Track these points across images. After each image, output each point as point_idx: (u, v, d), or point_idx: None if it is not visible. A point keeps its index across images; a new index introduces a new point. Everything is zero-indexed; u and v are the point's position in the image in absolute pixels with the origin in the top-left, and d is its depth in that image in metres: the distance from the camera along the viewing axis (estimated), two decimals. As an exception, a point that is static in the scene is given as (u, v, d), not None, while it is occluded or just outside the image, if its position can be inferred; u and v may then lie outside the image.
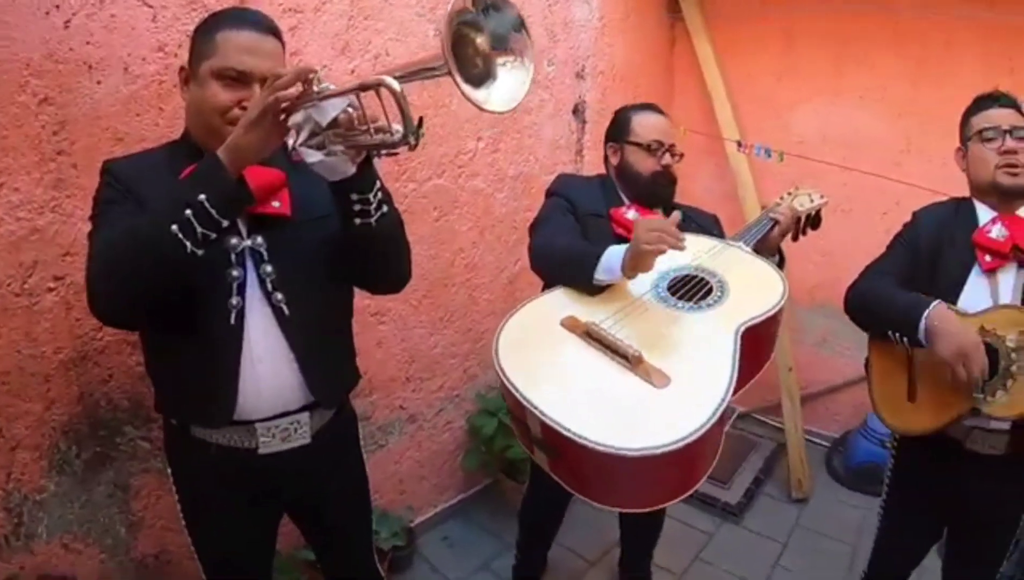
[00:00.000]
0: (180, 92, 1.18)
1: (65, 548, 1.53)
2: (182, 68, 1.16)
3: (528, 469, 2.23)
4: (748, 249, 1.59)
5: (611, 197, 1.72)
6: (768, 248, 1.66)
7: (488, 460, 2.53)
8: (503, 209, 2.54)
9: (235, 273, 1.14)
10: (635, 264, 1.34)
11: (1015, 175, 1.43)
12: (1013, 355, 1.34)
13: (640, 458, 1.03)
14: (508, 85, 0.93)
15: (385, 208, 1.15)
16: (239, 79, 1.09)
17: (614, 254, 1.38)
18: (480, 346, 2.56)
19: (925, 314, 1.39)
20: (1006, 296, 1.43)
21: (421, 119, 0.93)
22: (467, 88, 0.86)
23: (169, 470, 1.29)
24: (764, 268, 1.52)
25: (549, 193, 1.74)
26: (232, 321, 1.14)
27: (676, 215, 1.34)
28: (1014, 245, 1.42)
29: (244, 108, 1.06)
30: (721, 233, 1.80)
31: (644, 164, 1.67)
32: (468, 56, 0.90)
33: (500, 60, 0.93)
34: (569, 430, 1.07)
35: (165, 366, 1.21)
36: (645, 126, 1.69)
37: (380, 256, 1.24)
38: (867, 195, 2.91)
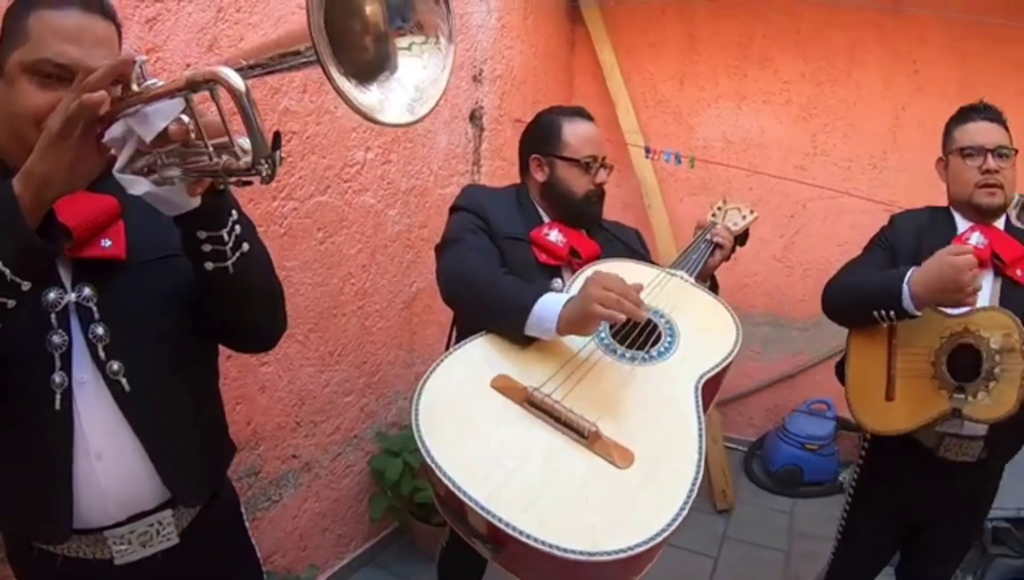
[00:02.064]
0: None
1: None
2: None
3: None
4: (691, 279, 1.45)
5: (529, 215, 1.51)
6: (705, 274, 1.54)
7: (396, 505, 2.34)
8: (396, 227, 2.37)
9: (57, 339, 0.89)
10: (577, 327, 1.14)
11: (993, 194, 1.48)
12: (997, 357, 1.34)
13: (615, 561, 0.87)
14: (414, 80, 0.66)
15: (245, 246, 0.90)
16: (59, 75, 0.83)
17: (549, 306, 1.18)
18: (377, 380, 2.37)
19: (906, 280, 1.38)
20: (983, 304, 1.45)
21: (278, 136, 0.65)
22: (350, 87, 0.59)
23: None
24: (711, 304, 1.40)
25: (456, 208, 1.50)
26: (57, 405, 0.89)
27: (640, 284, 1.16)
28: (993, 252, 1.45)
29: None
30: (645, 249, 1.67)
31: (578, 183, 1.47)
32: (352, 34, 0.62)
33: (403, 41, 0.66)
34: (529, 535, 0.88)
35: None
36: (579, 138, 1.48)
37: (241, 308, 0.98)
38: (773, 198, 2.96)
